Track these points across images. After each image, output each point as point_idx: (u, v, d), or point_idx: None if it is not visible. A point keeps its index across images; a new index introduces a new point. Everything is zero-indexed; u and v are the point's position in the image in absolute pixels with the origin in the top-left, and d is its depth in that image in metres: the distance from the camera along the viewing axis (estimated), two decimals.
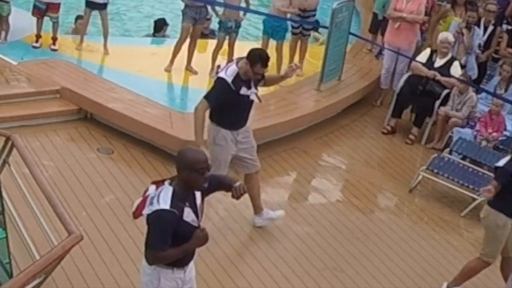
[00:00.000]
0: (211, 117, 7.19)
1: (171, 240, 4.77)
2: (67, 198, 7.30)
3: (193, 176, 4.72)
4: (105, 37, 10.75)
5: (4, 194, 6.23)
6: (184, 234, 4.80)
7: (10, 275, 5.72)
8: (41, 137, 8.58)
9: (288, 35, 11.04)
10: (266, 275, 6.99)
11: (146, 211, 4.84)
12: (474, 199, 8.68)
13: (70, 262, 6.18)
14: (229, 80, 6.88)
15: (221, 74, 6.97)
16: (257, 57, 6.88)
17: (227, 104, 6.97)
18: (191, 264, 5.14)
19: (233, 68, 6.93)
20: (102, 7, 10.64)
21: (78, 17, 11.55)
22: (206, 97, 7.02)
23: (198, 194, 4.91)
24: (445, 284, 7.18)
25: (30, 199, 6.19)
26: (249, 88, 6.99)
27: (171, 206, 4.68)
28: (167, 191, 4.75)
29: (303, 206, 8.34)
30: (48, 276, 5.56)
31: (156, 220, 4.74)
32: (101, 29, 10.83)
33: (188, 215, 4.79)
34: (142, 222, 7.24)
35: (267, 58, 6.92)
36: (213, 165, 7.08)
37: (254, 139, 7.43)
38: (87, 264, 6.58)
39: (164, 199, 4.71)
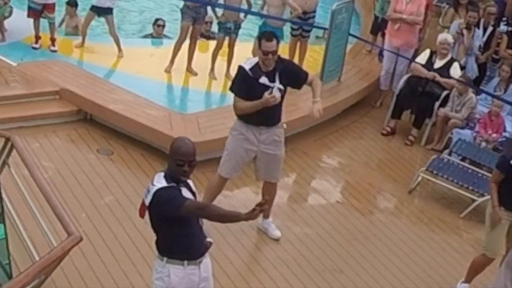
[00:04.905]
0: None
1: (172, 217, 4.91)
2: (66, 199, 7.30)
3: (173, 165, 4.97)
4: (117, 44, 10.72)
5: (3, 195, 6.23)
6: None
7: (10, 276, 5.73)
8: (41, 138, 8.58)
9: (288, 37, 11.06)
10: (266, 276, 7.00)
11: (147, 201, 5.01)
12: (473, 200, 8.68)
13: (70, 263, 6.18)
14: (248, 67, 6.84)
15: (241, 64, 6.96)
16: (260, 35, 6.94)
17: (249, 94, 6.86)
18: (206, 260, 5.20)
19: (253, 59, 6.96)
20: (108, 11, 10.63)
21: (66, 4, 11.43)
22: (231, 89, 7.05)
23: (191, 182, 5.14)
24: (459, 283, 7.26)
25: (29, 200, 6.19)
26: (272, 80, 6.85)
27: (168, 183, 4.96)
28: (159, 175, 5.04)
29: (302, 208, 8.34)
30: (48, 277, 5.56)
31: (162, 194, 4.94)
32: (110, 36, 10.80)
33: (186, 194, 5.00)
34: (142, 223, 7.25)
35: (269, 32, 6.93)
36: (226, 156, 7.15)
37: (282, 151, 7.25)
38: (87, 265, 6.58)
39: (158, 181, 4.99)
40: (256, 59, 6.92)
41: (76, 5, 11.53)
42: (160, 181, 4.97)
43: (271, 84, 6.85)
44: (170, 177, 4.98)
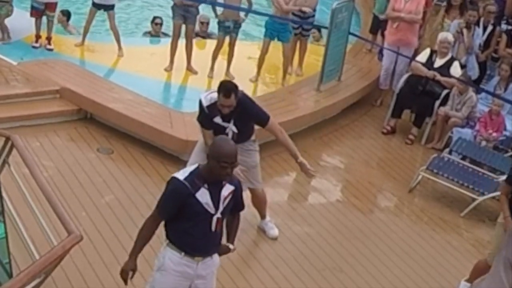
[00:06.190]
0: None
1: (176, 212, 4.98)
2: (66, 198, 7.31)
3: (215, 166, 4.90)
4: (117, 40, 10.74)
5: (4, 194, 6.23)
6: (193, 210, 4.98)
7: (10, 275, 5.73)
8: (41, 137, 8.58)
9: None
10: (266, 275, 7.00)
11: None
12: (474, 199, 8.69)
13: (70, 262, 6.19)
14: (205, 103, 6.77)
15: (201, 96, 6.88)
16: (219, 88, 6.62)
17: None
18: (211, 261, 5.25)
19: (213, 95, 6.76)
20: (109, 8, 10.63)
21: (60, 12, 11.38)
22: (198, 119, 7.00)
23: (228, 187, 5.06)
24: (462, 280, 7.23)
25: (30, 199, 6.18)
26: (225, 120, 6.77)
27: (185, 179, 4.92)
28: (192, 167, 5.05)
29: (302, 206, 8.34)
30: (48, 276, 5.55)
31: (167, 185, 5.02)
32: (110, 32, 10.80)
33: (203, 195, 4.96)
34: (142, 221, 7.27)
35: (224, 88, 6.58)
36: (192, 155, 7.20)
37: (254, 159, 7.24)
38: (87, 264, 6.59)
39: (183, 171, 5.01)
40: (215, 96, 6.71)
41: (69, 16, 11.52)
42: (184, 173, 4.97)
43: (224, 124, 6.80)
44: (201, 175, 4.93)
